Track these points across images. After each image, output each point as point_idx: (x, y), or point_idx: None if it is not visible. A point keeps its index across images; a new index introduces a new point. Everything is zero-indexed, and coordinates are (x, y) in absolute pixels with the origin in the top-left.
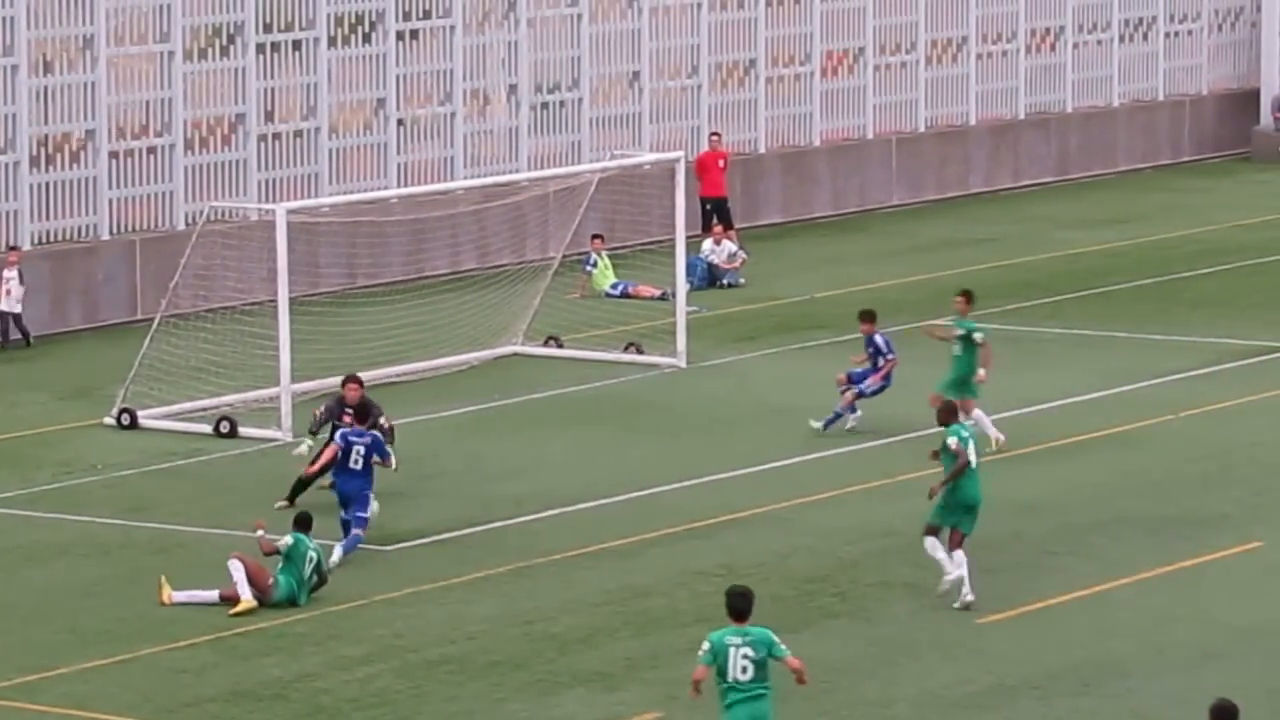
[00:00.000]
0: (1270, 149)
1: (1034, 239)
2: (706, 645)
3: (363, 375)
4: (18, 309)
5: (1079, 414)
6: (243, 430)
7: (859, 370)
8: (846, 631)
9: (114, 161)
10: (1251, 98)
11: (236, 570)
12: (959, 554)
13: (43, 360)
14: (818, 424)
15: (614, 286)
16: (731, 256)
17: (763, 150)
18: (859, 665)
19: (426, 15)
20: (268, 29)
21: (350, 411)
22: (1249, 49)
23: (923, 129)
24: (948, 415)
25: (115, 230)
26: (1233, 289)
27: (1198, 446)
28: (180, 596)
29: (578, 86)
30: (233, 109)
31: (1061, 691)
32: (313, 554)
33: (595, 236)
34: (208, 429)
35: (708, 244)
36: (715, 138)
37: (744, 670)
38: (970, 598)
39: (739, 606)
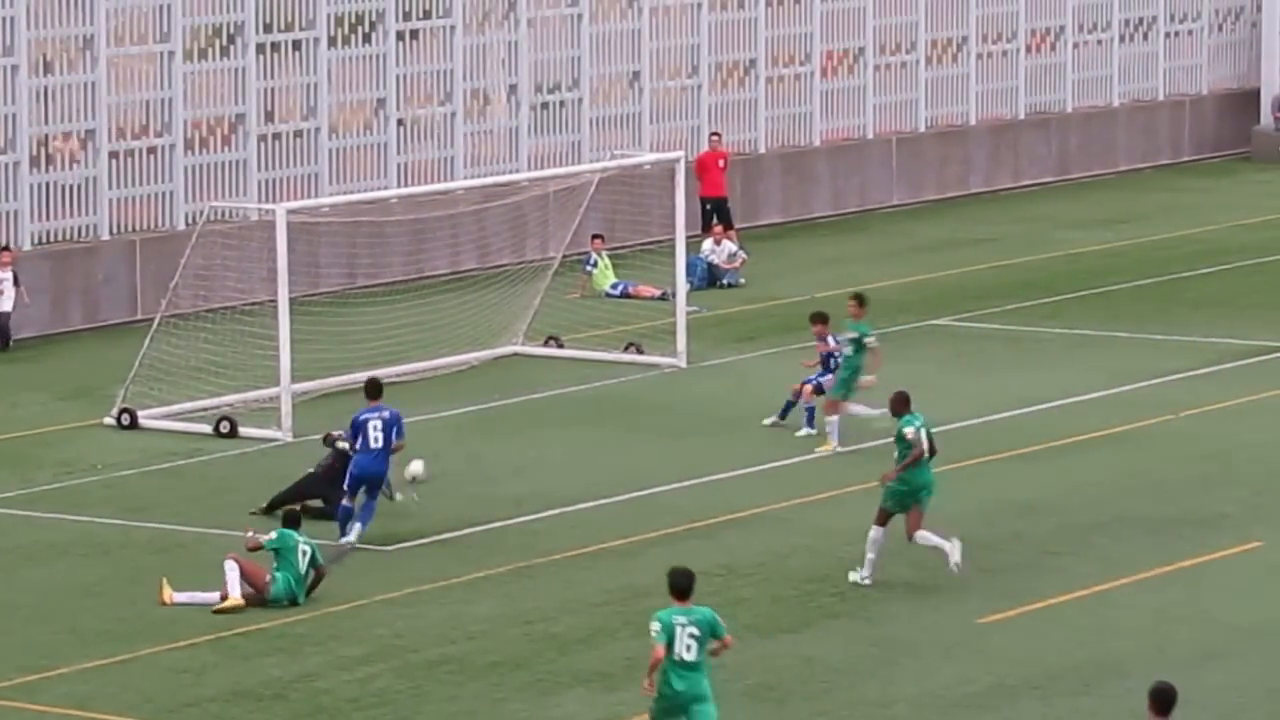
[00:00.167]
0: (1270, 149)
1: (1034, 239)
2: (658, 625)
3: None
4: (9, 308)
5: (1079, 414)
6: (243, 430)
7: (812, 377)
8: (846, 631)
9: (114, 161)
10: (1251, 98)
11: (231, 570)
12: (922, 533)
13: (43, 360)
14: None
15: (614, 286)
16: (731, 256)
17: (763, 150)
18: (859, 665)
19: (426, 15)
20: (268, 29)
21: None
22: (1249, 49)
23: (923, 129)
24: (900, 405)
25: (115, 230)
26: (1233, 289)
27: (1198, 446)
28: (181, 598)
29: (578, 86)
30: (233, 109)
31: (1061, 691)
32: (305, 548)
33: (595, 236)
34: (208, 429)
35: (708, 244)
36: (715, 138)
37: (688, 649)
38: (957, 558)
39: (682, 585)
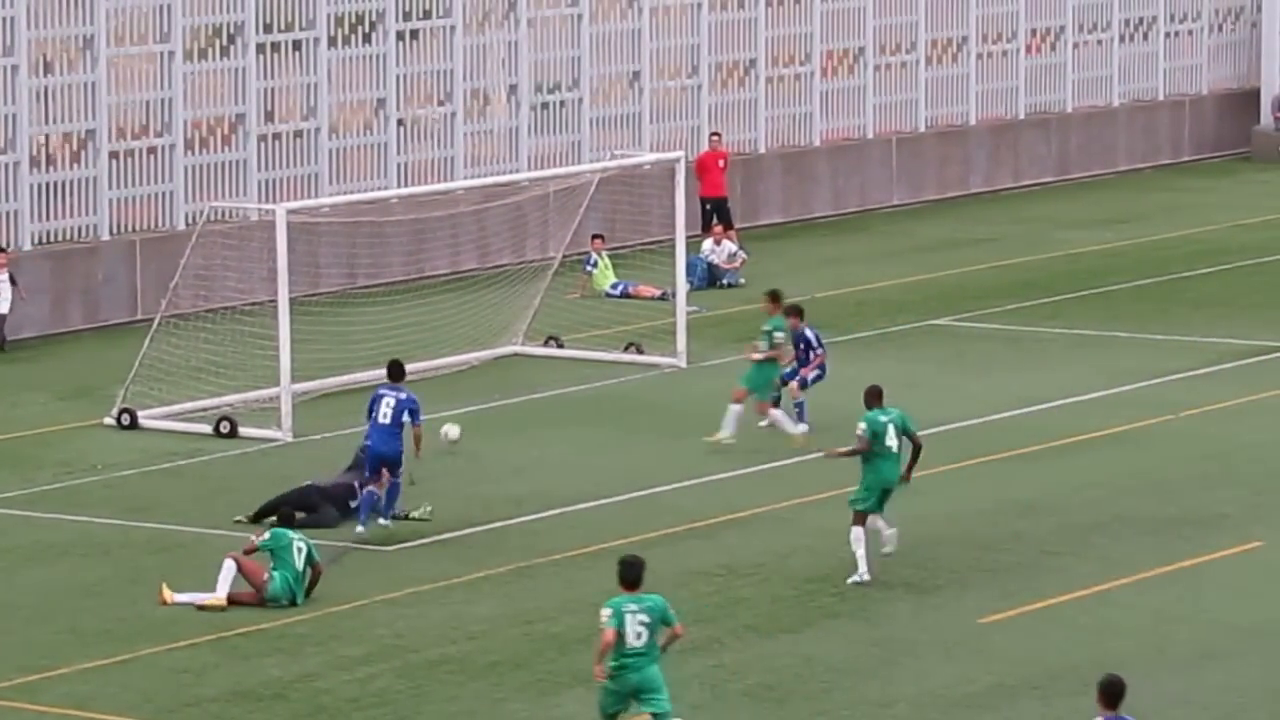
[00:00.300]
0: (1270, 149)
1: (1034, 239)
2: (609, 611)
3: (362, 375)
4: (4, 310)
5: (1079, 414)
6: (243, 430)
7: (788, 370)
8: (846, 631)
9: (114, 161)
10: (1251, 98)
11: (225, 570)
12: (871, 517)
13: (43, 360)
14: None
15: (614, 286)
16: (731, 256)
17: (763, 150)
18: (859, 665)
19: (426, 15)
20: (268, 29)
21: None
22: (1249, 49)
23: (923, 129)
24: (870, 399)
25: (115, 230)
26: (1233, 289)
27: (1198, 446)
28: (181, 599)
29: (578, 86)
30: (233, 109)
31: (1061, 691)
32: (300, 545)
33: (595, 236)
34: (208, 429)
35: (708, 244)
36: (715, 138)
37: (638, 636)
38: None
39: (631, 575)
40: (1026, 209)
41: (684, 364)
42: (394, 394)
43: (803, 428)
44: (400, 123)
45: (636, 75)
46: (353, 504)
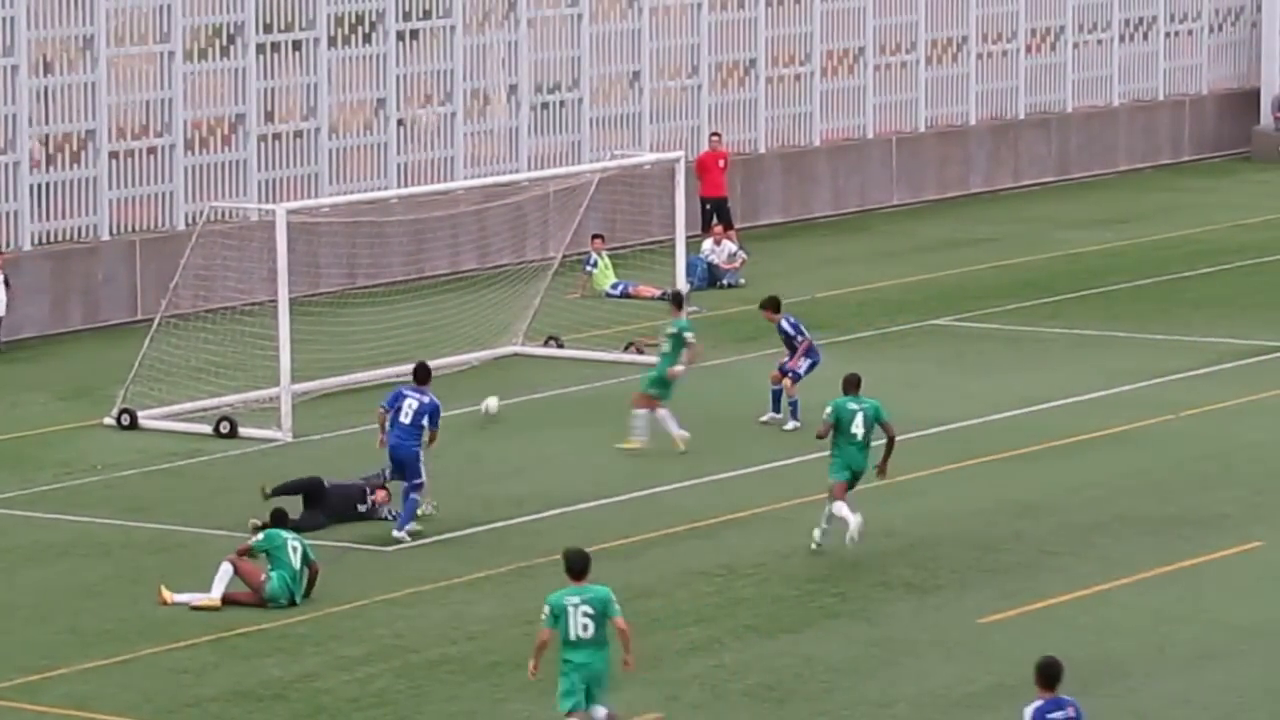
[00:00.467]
0: (1270, 149)
1: (1034, 239)
2: (546, 609)
3: (362, 375)
4: (1, 312)
5: (1080, 414)
6: (243, 430)
7: (783, 363)
8: (846, 631)
9: (114, 161)
10: (1251, 98)
11: (223, 572)
12: (839, 504)
13: (43, 360)
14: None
15: (614, 286)
16: (731, 256)
17: (763, 150)
18: (859, 665)
19: (426, 15)
20: (268, 29)
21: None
22: (1249, 49)
23: (923, 129)
24: (846, 387)
25: (115, 230)
26: (1233, 289)
27: (1198, 446)
28: (180, 599)
29: (578, 86)
30: (233, 109)
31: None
32: (295, 544)
33: (595, 236)
34: (208, 429)
35: (708, 244)
36: (715, 138)
37: (584, 628)
38: (854, 532)
39: (577, 566)
40: (1026, 209)
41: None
42: (417, 396)
43: (684, 434)
44: (400, 123)
45: (636, 75)
46: (361, 508)
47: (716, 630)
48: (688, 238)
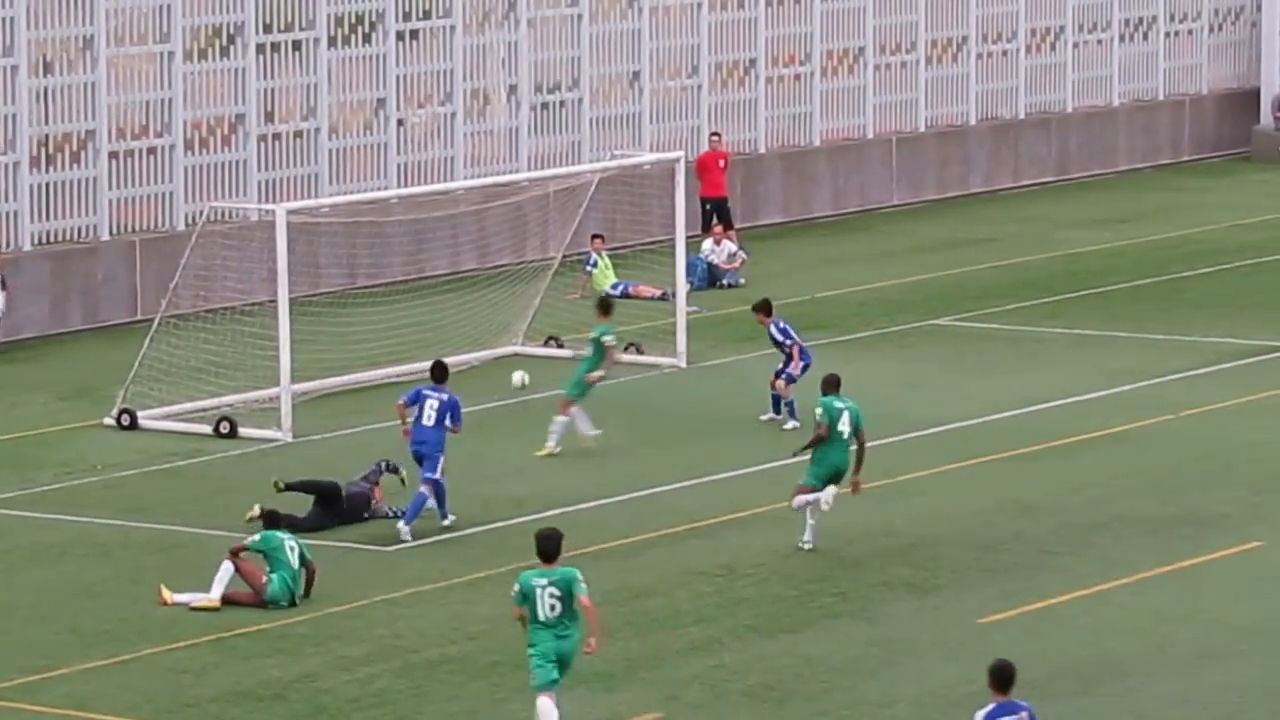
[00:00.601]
0: (1270, 149)
1: (1034, 239)
2: (516, 587)
3: (362, 375)
4: None
5: (1079, 414)
6: (243, 430)
7: (779, 367)
8: (847, 631)
9: (114, 162)
10: (1251, 98)
11: (224, 571)
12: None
13: (43, 360)
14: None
15: (614, 286)
16: (731, 257)
17: (763, 150)
18: (859, 665)
19: (426, 15)
20: (268, 29)
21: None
22: (1249, 49)
23: (923, 129)
24: (826, 387)
25: (115, 230)
26: (1233, 289)
27: (1198, 446)
28: (180, 599)
29: (578, 86)
30: (233, 109)
31: (1061, 691)
32: (292, 544)
33: (595, 236)
34: (208, 429)
35: (708, 244)
36: (715, 138)
37: (552, 609)
38: (828, 499)
39: (547, 549)
40: (1026, 209)
41: (684, 364)
42: (437, 395)
43: (596, 432)
44: (400, 123)
45: (636, 75)
46: (365, 515)
47: (716, 630)
48: (688, 238)
